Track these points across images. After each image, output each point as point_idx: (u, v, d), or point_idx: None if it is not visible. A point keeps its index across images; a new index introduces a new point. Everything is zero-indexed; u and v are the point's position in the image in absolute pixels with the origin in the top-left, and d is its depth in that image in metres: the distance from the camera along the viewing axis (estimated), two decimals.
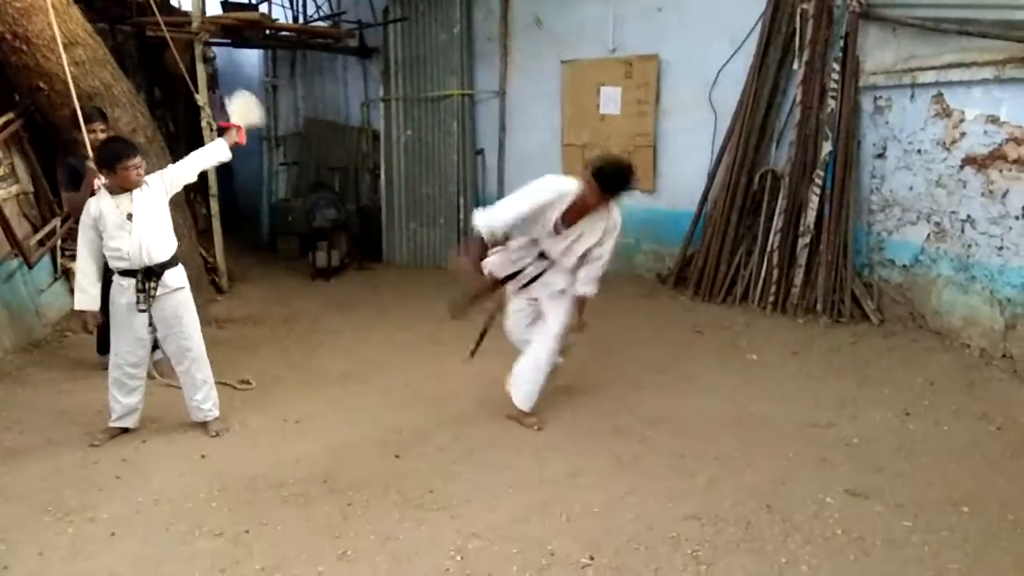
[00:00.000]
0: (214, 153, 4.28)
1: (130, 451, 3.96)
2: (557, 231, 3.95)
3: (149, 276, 3.89)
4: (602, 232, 3.97)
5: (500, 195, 8.26)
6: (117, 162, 3.79)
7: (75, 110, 4.63)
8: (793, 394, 4.53)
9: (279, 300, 7.10)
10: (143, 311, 3.90)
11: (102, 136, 4.66)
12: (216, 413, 4.21)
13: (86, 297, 3.97)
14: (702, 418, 4.27)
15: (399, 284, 7.79)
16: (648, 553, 2.99)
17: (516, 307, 4.41)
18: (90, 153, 4.43)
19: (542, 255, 4.12)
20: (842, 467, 3.65)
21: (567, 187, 3.89)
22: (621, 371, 5.08)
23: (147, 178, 3.95)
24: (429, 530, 3.18)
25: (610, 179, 3.82)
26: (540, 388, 4.23)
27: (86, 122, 4.61)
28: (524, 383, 4.23)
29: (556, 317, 4.15)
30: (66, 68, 4.68)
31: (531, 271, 4.17)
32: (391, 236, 8.80)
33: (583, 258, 4.00)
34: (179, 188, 4.15)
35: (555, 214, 3.90)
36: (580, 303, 4.18)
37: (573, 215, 3.91)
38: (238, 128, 4.38)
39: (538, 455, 3.85)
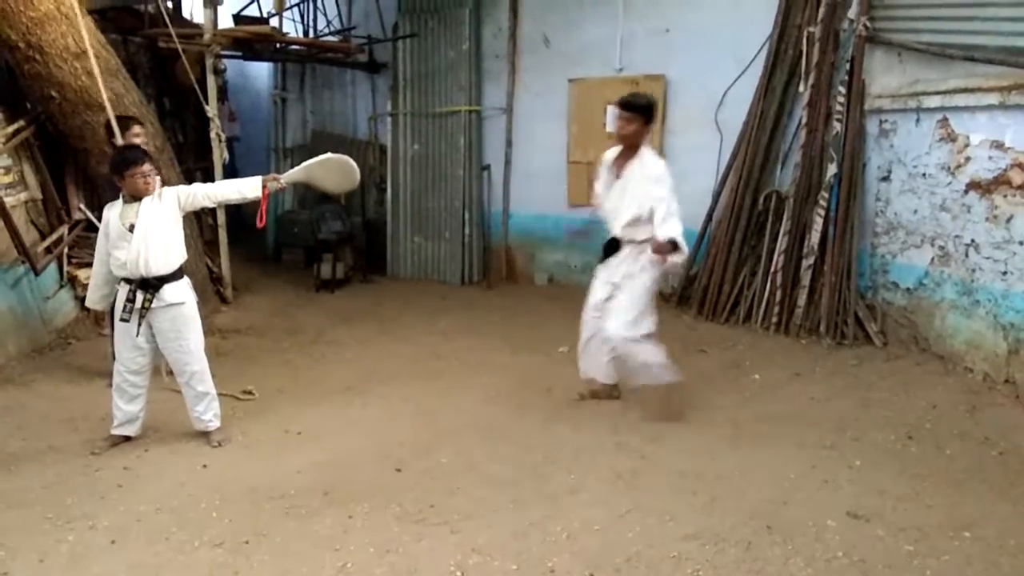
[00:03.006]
0: (244, 190, 4.15)
1: (132, 459, 3.97)
2: (608, 185, 4.40)
3: (145, 287, 3.90)
4: (641, 179, 4.24)
5: (505, 211, 8.36)
6: (127, 168, 3.84)
7: (111, 118, 4.73)
8: (795, 415, 4.53)
9: (283, 311, 7.12)
10: (124, 320, 3.93)
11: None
12: (217, 424, 4.22)
13: (92, 296, 4.21)
14: (704, 437, 4.26)
15: (403, 297, 7.81)
16: (648, 572, 2.98)
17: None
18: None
19: None
20: (844, 489, 3.64)
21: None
22: (622, 388, 5.06)
23: (163, 190, 3.98)
24: (429, 544, 3.18)
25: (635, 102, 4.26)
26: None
27: (125, 128, 4.68)
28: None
29: (630, 302, 4.38)
30: (100, 86, 4.77)
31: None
32: (396, 249, 8.83)
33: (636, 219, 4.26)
34: (195, 208, 4.18)
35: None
36: (666, 246, 4.17)
37: (621, 161, 4.34)
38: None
39: (538, 471, 3.85)
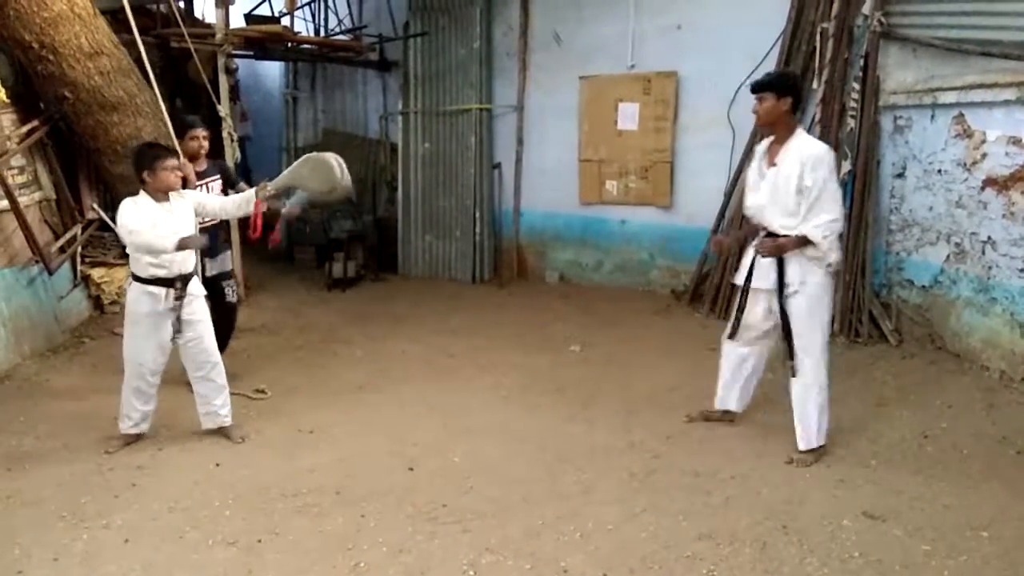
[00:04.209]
0: (243, 205, 4.17)
1: (145, 458, 3.98)
2: (762, 174, 3.85)
3: (183, 283, 3.97)
4: (801, 166, 3.67)
5: (516, 209, 8.34)
6: (157, 161, 3.86)
7: (170, 119, 5.00)
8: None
9: (295, 310, 7.14)
10: (178, 319, 3.96)
11: (204, 143, 4.78)
12: (231, 420, 4.25)
13: (165, 243, 3.81)
14: (717, 436, 4.24)
15: (414, 296, 7.81)
16: (663, 572, 2.96)
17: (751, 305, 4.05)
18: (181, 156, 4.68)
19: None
20: (860, 489, 3.61)
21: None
22: (635, 387, 5.06)
23: (184, 191, 4.03)
24: (442, 544, 3.17)
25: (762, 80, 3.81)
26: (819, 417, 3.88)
27: (189, 128, 4.73)
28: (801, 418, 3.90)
29: (805, 327, 3.79)
30: (155, 87, 4.91)
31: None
32: (407, 248, 8.83)
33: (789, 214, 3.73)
34: (201, 217, 4.24)
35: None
36: (792, 240, 3.71)
37: (774, 147, 3.83)
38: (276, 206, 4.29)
39: (551, 470, 3.84)
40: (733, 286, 4.20)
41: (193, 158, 4.74)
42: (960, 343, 5.28)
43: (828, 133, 6.11)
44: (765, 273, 3.87)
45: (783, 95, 3.72)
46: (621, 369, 5.43)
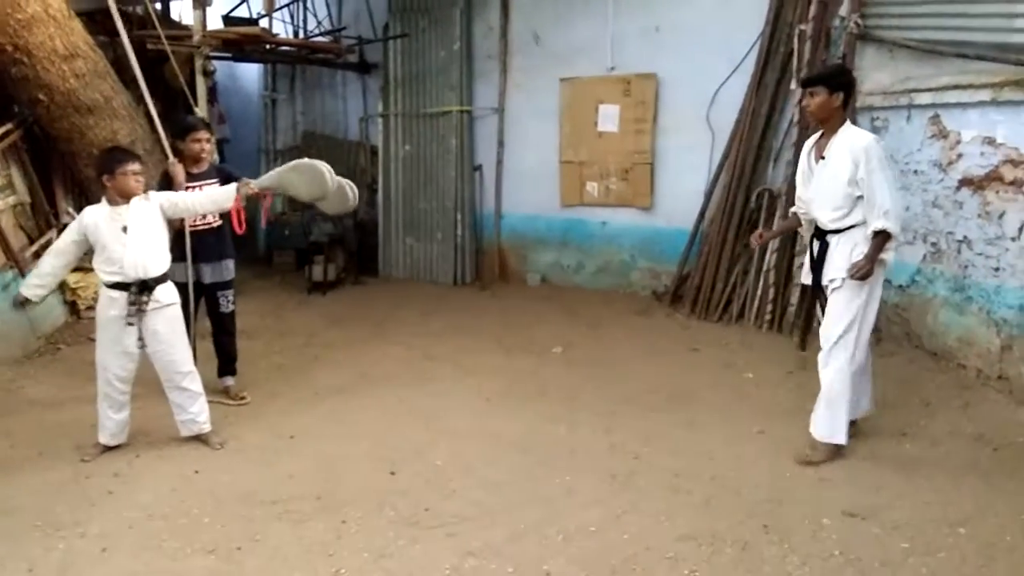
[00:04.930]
0: (219, 200, 4.08)
1: (122, 465, 3.93)
2: (811, 168, 3.89)
3: (142, 290, 3.86)
4: (850, 159, 3.67)
5: (497, 211, 8.33)
6: (117, 166, 3.79)
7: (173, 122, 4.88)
8: (789, 413, 4.51)
9: (274, 314, 7.09)
10: (131, 324, 3.87)
11: (207, 146, 4.68)
12: (209, 426, 4.19)
13: (31, 282, 3.99)
14: (698, 436, 4.25)
15: (395, 299, 7.78)
16: (645, 573, 2.97)
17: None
18: (171, 156, 4.63)
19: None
20: (840, 487, 3.63)
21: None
22: (616, 388, 5.06)
23: (150, 194, 3.95)
24: (424, 548, 3.16)
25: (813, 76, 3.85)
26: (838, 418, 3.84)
27: (191, 130, 4.63)
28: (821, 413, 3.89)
29: (832, 317, 3.81)
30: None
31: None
32: (388, 251, 8.80)
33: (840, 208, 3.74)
34: (175, 217, 4.12)
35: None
36: (874, 245, 3.67)
37: (823, 141, 3.85)
38: (263, 196, 4.22)
39: (534, 473, 3.83)
40: (803, 287, 4.20)
41: (195, 160, 4.62)
42: (937, 342, 5.33)
43: (806, 134, 6.14)
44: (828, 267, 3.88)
45: (835, 90, 3.73)
46: (603, 370, 5.43)
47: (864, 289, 3.75)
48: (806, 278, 4.09)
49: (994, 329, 4.82)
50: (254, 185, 4.10)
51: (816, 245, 3.95)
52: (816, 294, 4.07)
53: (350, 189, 4.31)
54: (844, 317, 3.78)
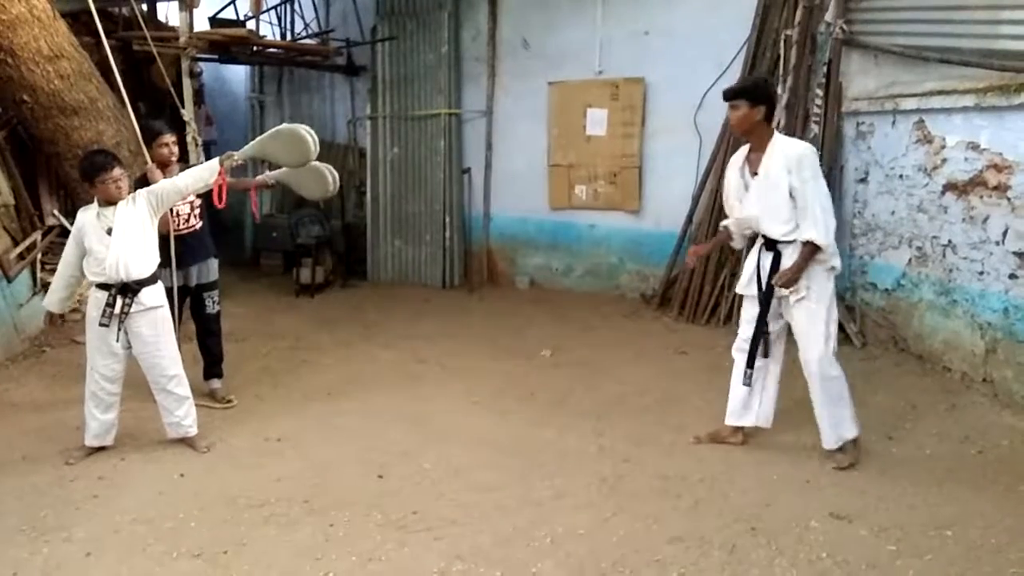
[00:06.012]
0: (204, 175, 4.00)
1: (108, 469, 3.90)
2: (746, 184, 3.83)
3: (124, 292, 3.85)
4: (785, 170, 3.65)
5: (486, 214, 8.33)
6: (96, 175, 3.78)
7: (139, 128, 4.72)
8: (776, 416, 4.52)
9: (262, 317, 7.05)
10: (104, 326, 3.85)
11: (175, 148, 4.63)
12: (196, 430, 4.17)
13: (51, 298, 4.13)
14: (686, 440, 4.26)
15: (383, 302, 7.76)
16: None
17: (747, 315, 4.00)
18: (150, 162, 4.56)
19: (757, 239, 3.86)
20: (826, 490, 3.65)
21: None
22: (605, 391, 5.07)
23: (135, 194, 3.92)
24: (412, 552, 3.15)
25: (734, 88, 3.78)
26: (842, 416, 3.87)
27: (157, 136, 4.58)
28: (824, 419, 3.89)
29: (806, 330, 3.77)
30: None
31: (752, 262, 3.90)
32: (376, 254, 8.77)
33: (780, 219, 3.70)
34: (168, 206, 4.10)
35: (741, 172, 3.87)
36: (803, 254, 3.67)
37: (753, 156, 3.79)
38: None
39: (523, 476, 3.82)
40: (741, 296, 4.13)
41: (164, 165, 4.61)
42: (923, 345, 5.37)
43: (806, 141, 6.19)
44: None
45: (756, 103, 3.69)
46: (591, 373, 5.44)
47: (824, 296, 3.72)
48: (746, 289, 3.99)
49: (979, 332, 4.86)
50: (237, 157, 4.02)
51: (763, 256, 3.86)
52: (764, 305, 3.89)
53: (329, 172, 4.25)
54: (816, 327, 3.74)
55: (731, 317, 6.50)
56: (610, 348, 6.05)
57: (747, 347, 3.99)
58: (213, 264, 4.88)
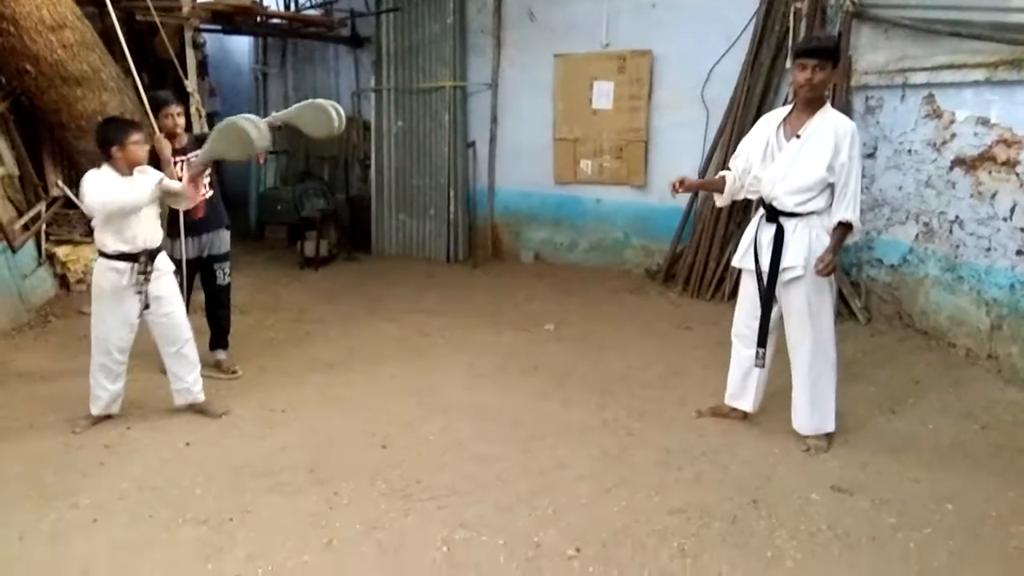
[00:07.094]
0: (181, 190, 3.99)
1: (114, 437, 3.93)
2: (778, 145, 3.58)
3: (149, 259, 3.90)
4: (834, 143, 3.45)
5: (491, 188, 8.31)
6: (127, 136, 3.77)
7: (146, 98, 4.66)
8: (780, 391, 4.52)
9: (266, 289, 7.06)
10: (140, 293, 3.89)
11: (180, 120, 4.61)
12: (204, 396, 4.21)
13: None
14: (689, 413, 4.27)
15: (387, 275, 7.76)
16: (634, 546, 2.99)
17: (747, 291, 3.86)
18: (158, 132, 4.49)
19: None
20: (828, 463, 3.66)
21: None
22: (609, 365, 5.08)
23: (145, 167, 3.94)
24: (415, 520, 3.17)
25: (820, 46, 3.48)
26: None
27: (163, 106, 4.56)
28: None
29: (801, 312, 3.66)
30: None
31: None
32: (380, 227, 8.76)
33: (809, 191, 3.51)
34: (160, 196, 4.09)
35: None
36: (838, 237, 3.51)
37: (795, 119, 3.57)
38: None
39: (526, 447, 3.84)
40: (738, 271, 3.96)
41: (171, 136, 4.56)
42: (928, 321, 5.36)
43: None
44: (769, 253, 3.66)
45: (835, 65, 3.49)
46: (595, 348, 5.44)
47: (826, 279, 3.58)
48: (742, 261, 3.84)
49: (984, 309, 4.84)
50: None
51: (763, 229, 3.70)
52: (763, 280, 3.73)
53: (333, 109, 4.08)
54: (815, 309, 3.65)
55: (735, 293, 6.43)
56: (614, 323, 6.05)
57: (747, 332, 3.94)
58: (225, 235, 4.89)
